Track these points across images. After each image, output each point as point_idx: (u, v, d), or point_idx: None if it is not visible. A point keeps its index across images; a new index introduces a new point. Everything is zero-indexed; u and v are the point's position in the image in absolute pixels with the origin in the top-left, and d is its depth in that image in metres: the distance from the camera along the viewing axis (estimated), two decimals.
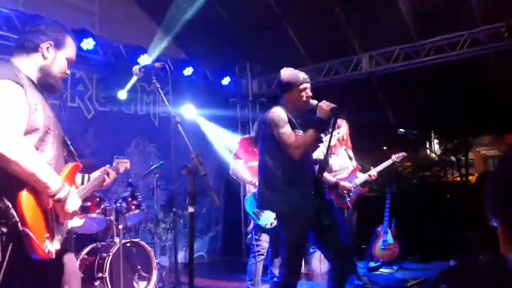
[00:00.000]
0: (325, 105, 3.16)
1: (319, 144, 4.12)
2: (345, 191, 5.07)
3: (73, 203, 2.17)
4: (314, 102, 3.27)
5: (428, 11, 6.59)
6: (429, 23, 6.75)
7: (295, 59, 7.94)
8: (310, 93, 3.31)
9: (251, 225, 4.68)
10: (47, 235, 2.06)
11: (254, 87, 8.55)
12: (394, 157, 5.53)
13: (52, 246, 2.08)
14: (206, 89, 7.98)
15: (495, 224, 1.16)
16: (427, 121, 8.19)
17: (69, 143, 2.52)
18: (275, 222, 4.30)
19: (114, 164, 2.91)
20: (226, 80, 8.06)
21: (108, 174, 2.76)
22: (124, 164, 2.97)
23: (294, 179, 3.15)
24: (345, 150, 5.28)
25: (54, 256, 2.09)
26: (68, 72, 2.38)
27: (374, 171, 5.29)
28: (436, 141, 12.45)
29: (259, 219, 4.48)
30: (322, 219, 3.18)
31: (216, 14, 7.76)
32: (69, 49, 2.38)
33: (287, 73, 3.38)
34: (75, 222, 2.30)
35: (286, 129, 3.14)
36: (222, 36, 8.22)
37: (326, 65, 7.66)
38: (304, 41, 7.87)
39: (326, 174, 5.04)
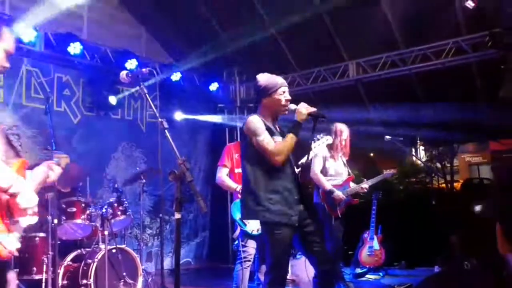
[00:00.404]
0: (303, 107, 3.15)
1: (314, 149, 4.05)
2: (337, 201, 5.07)
3: (28, 199, 2.14)
4: (293, 106, 3.23)
5: (414, 19, 6.67)
6: (415, 31, 6.84)
7: (283, 65, 7.99)
8: (288, 97, 3.27)
9: (238, 231, 4.67)
10: (6, 233, 2.03)
11: (242, 93, 8.57)
12: (386, 173, 5.56)
13: (13, 245, 2.05)
14: (194, 94, 7.97)
15: None
16: (412, 128, 8.27)
17: (11, 138, 2.48)
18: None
19: (55, 159, 2.82)
20: (214, 86, 8.06)
21: (52, 169, 2.68)
22: (65, 159, 2.87)
23: (276, 186, 3.13)
24: (341, 156, 5.28)
25: (16, 254, 2.05)
26: (7, 65, 2.32)
27: (366, 184, 5.28)
28: (421, 147, 12.59)
29: (245, 225, 4.48)
30: (306, 225, 3.18)
31: (204, 19, 7.78)
32: (7, 42, 2.32)
33: (264, 78, 3.33)
34: (29, 220, 2.23)
35: (264, 136, 3.09)
36: (210, 42, 8.23)
37: (313, 72, 7.71)
38: (292, 48, 7.92)
39: (321, 177, 5.07)
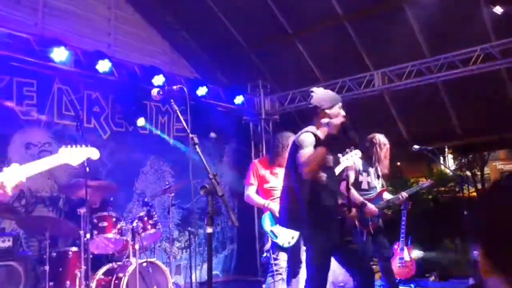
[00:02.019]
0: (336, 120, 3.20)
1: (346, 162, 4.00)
2: (369, 214, 4.90)
3: None
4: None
5: (439, 27, 6.62)
6: (440, 39, 6.77)
7: (307, 77, 8.00)
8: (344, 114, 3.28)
9: (269, 244, 4.66)
10: None
11: (267, 105, 8.59)
12: (423, 184, 5.43)
13: None
14: (219, 108, 8.04)
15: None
16: (440, 136, 8.15)
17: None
18: (293, 241, 4.28)
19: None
20: (239, 99, 8.11)
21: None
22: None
23: (320, 201, 3.17)
24: (378, 169, 5.09)
25: None
26: None
27: (405, 193, 5.17)
28: (450, 156, 12.36)
29: (277, 237, 4.47)
30: (345, 237, 3.20)
31: (228, 33, 7.87)
32: None
33: (322, 93, 3.35)
34: None
35: (306, 150, 3.12)
36: (234, 55, 8.33)
37: (338, 82, 7.69)
38: (316, 59, 7.93)
39: (353, 191, 4.83)
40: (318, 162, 3.15)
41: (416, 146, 5.50)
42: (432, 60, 6.88)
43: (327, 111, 3.26)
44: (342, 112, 3.27)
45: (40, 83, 6.06)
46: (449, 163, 12.14)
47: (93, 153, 3.00)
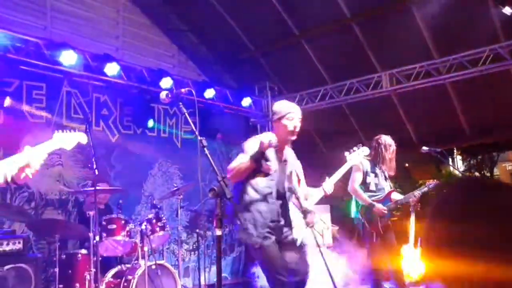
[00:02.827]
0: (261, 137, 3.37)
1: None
2: (378, 215, 4.83)
3: None
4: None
5: (447, 27, 6.58)
6: (448, 40, 6.74)
7: (315, 78, 8.00)
8: (296, 124, 3.46)
9: None
10: None
11: None
12: (429, 184, 5.34)
13: None
14: (227, 110, 8.05)
15: None
16: (449, 138, 8.10)
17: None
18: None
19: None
20: (246, 101, 8.11)
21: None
22: None
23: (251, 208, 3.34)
24: (384, 170, 5.04)
25: None
26: None
27: (418, 192, 5.11)
28: (459, 157, 12.29)
29: None
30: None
31: (235, 35, 7.89)
32: None
33: (275, 103, 3.65)
34: None
35: (240, 156, 3.35)
36: (241, 57, 8.35)
37: (346, 84, 7.67)
38: (323, 60, 7.92)
39: (361, 192, 4.86)
40: (239, 170, 3.32)
41: (424, 148, 5.44)
42: (440, 61, 6.85)
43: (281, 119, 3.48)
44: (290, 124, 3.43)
45: (49, 87, 6.10)
46: (458, 165, 12.06)
47: (82, 138, 3.11)
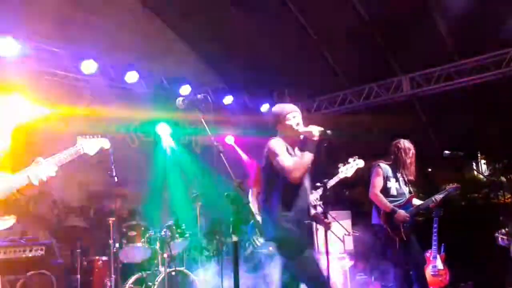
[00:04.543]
0: (311, 128, 3.28)
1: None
2: (400, 221, 4.71)
3: None
4: (304, 128, 3.36)
5: (467, 29, 6.47)
6: (469, 42, 6.62)
7: (334, 83, 7.95)
8: (298, 121, 3.42)
9: None
10: None
11: None
12: (449, 188, 5.22)
13: None
14: (246, 116, 8.06)
15: None
16: (472, 141, 7.94)
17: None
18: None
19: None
20: (265, 107, 8.11)
21: None
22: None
23: (291, 208, 3.23)
24: (405, 175, 4.92)
25: None
26: None
27: (439, 195, 5.02)
28: (483, 161, 12.01)
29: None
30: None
31: (253, 41, 7.90)
32: None
33: (273, 109, 3.60)
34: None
35: (285, 155, 3.22)
36: (260, 63, 8.35)
37: (365, 88, 7.60)
38: (342, 65, 7.87)
39: (382, 198, 4.76)
40: (305, 168, 3.24)
41: (446, 152, 5.31)
42: (461, 63, 6.73)
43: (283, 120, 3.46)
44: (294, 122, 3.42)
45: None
46: (482, 169, 11.79)
47: (105, 143, 3.15)
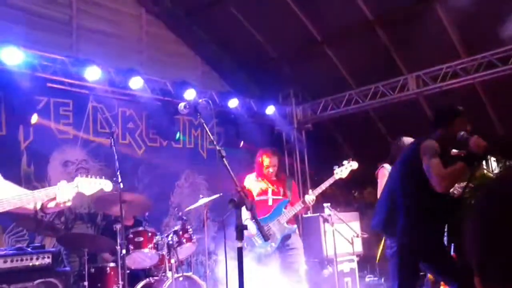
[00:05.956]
0: (480, 140, 3.09)
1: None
2: None
3: None
4: (461, 133, 3.21)
5: (473, 25, 6.39)
6: (476, 38, 6.54)
7: (339, 83, 7.90)
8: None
9: None
10: None
11: (299, 114, 8.52)
12: (456, 187, 5.15)
13: None
14: (251, 119, 8.03)
15: None
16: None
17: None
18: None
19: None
20: (270, 110, 8.07)
21: None
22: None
23: (430, 213, 3.15)
24: None
25: None
26: None
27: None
28: (493, 159, 11.87)
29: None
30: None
31: (258, 44, 7.89)
32: None
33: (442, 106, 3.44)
34: None
35: (437, 159, 3.05)
36: (264, 65, 8.33)
37: (371, 88, 7.54)
38: (347, 65, 7.82)
39: None
40: (456, 178, 3.18)
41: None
42: (468, 60, 6.65)
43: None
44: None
45: (76, 103, 6.23)
46: (491, 167, 11.65)
47: (107, 185, 3.11)
